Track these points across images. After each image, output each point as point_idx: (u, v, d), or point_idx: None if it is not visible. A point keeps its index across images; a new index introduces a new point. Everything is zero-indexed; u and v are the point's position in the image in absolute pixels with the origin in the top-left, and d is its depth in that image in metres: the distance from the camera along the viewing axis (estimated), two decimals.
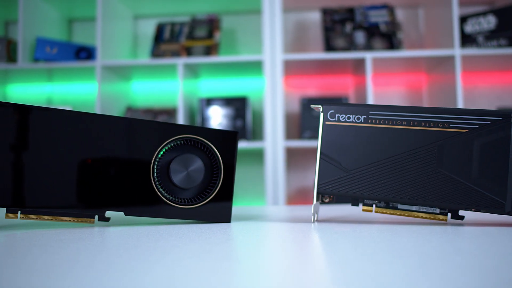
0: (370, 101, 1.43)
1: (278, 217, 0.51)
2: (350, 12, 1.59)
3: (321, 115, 0.43)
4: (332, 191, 0.42)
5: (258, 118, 1.71)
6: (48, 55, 1.57)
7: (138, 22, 1.81)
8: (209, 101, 1.58)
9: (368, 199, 0.42)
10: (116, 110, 1.62)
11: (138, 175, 0.43)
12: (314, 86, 1.73)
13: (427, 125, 0.40)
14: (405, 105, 1.68)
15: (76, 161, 0.41)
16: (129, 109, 1.66)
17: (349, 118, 0.42)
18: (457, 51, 1.41)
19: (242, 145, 1.48)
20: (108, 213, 0.48)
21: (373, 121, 0.42)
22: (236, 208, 0.66)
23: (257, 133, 1.69)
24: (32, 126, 0.40)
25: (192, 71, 1.61)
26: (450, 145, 0.40)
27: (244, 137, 1.56)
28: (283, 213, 0.58)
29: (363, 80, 1.49)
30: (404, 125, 0.41)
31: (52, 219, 0.41)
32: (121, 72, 1.62)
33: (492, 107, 1.64)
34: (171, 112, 1.65)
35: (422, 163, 0.40)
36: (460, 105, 1.40)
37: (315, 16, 1.74)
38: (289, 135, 1.67)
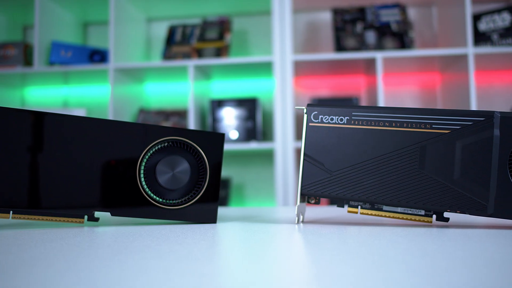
0: (381, 101, 1.42)
1: (267, 218, 0.51)
2: (361, 12, 1.58)
3: (305, 116, 0.43)
4: (316, 193, 0.42)
5: (269, 119, 1.71)
6: (63, 58, 1.60)
7: (151, 25, 1.84)
8: (219, 103, 1.59)
9: (351, 201, 0.42)
10: (129, 112, 1.64)
11: (125, 176, 0.43)
12: (326, 87, 1.72)
13: (409, 126, 0.40)
14: (417, 106, 1.66)
15: (65, 163, 0.42)
16: (142, 110, 1.68)
17: (332, 119, 0.42)
18: (470, 50, 1.39)
19: (252, 146, 1.49)
20: (98, 214, 0.49)
21: (356, 122, 0.42)
22: (233, 209, 0.66)
23: (267, 134, 1.70)
24: (25, 129, 0.41)
25: (203, 73, 1.63)
26: (432, 146, 0.39)
27: (254, 138, 1.56)
28: (276, 214, 0.58)
29: (375, 80, 1.48)
30: (387, 126, 0.41)
31: (43, 219, 0.42)
32: (134, 74, 1.65)
33: (508, 106, 1.60)
34: (183, 113, 1.66)
35: (405, 164, 0.40)
36: (474, 104, 1.37)
37: (326, 16, 1.73)
38: (299, 136, 1.66)
